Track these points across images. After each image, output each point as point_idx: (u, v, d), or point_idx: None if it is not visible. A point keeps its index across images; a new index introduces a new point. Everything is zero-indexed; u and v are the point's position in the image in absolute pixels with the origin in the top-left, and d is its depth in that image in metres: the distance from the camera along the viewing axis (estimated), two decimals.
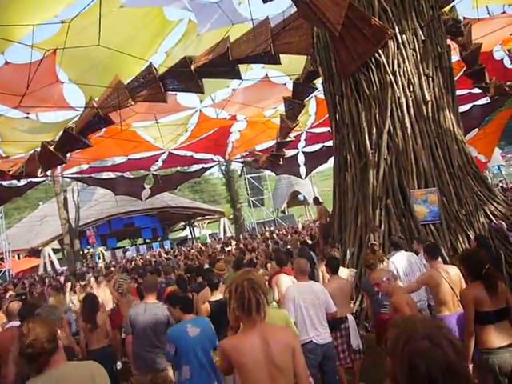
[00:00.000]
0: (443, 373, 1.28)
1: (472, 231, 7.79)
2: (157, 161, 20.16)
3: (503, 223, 7.96)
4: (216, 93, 16.01)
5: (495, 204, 8.54)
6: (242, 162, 25.94)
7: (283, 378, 2.47)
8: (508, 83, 16.31)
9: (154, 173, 21.22)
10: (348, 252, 8.21)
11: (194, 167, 23.41)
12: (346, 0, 7.37)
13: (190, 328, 3.74)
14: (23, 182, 15.53)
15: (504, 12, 14.75)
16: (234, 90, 15.30)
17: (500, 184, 25.07)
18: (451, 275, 4.45)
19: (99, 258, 23.36)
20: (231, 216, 35.00)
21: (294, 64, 11.71)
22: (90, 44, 8.75)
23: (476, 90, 15.87)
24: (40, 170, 10.64)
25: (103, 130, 11.62)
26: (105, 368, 2.55)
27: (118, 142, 14.83)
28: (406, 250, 6.32)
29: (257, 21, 8.76)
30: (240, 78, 10.02)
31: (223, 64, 8.70)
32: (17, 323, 4.90)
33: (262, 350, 2.47)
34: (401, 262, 5.82)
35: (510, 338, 3.32)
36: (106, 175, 22.46)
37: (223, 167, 26.35)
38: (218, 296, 5.31)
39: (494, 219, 8.17)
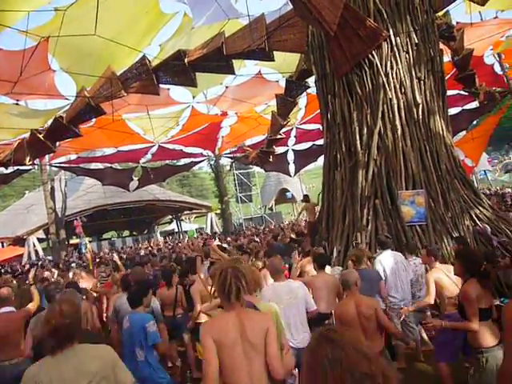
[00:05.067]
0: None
1: (457, 234, 7.89)
2: (146, 153, 20.05)
3: (487, 227, 8.08)
4: (209, 89, 15.99)
5: (480, 208, 8.66)
6: (231, 158, 25.93)
7: (257, 356, 2.64)
8: (498, 89, 16.52)
9: (143, 165, 21.11)
10: (335, 250, 8.27)
11: (183, 161, 23.31)
12: (342, 0, 7.40)
13: (125, 321, 4.27)
14: (10, 169, 15.36)
15: (496, 17, 14.96)
16: (227, 87, 15.30)
17: (483, 190, 24.87)
18: (452, 274, 4.65)
19: (85, 249, 23.15)
20: (218, 211, 34.91)
21: (287, 62, 11.73)
22: (82, 33, 8.69)
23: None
24: (28, 158, 10.52)
25: (93, 120, 11.53)
26: None
27: (108, 133, 14.70)
28: (392, 250, 6.40)
29: (252, 17, 8.75)
30: (233, 74, 9.99)
31: (217, 59, 8.66)
32: (9, 308, 4.88)
33: (238, 329, 2.66)
34: (388, 261, 5.89)
35: (498, 337, 3.37)
36: (94, 166, 22.24)
37: (212, 162, 26.24)
38: None
39: (478, 223, 8.29)
